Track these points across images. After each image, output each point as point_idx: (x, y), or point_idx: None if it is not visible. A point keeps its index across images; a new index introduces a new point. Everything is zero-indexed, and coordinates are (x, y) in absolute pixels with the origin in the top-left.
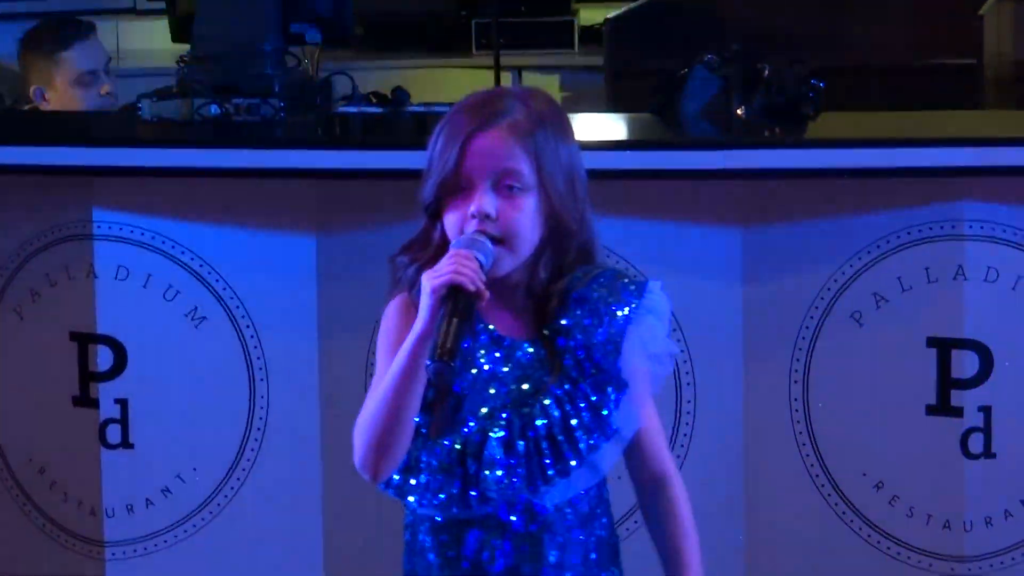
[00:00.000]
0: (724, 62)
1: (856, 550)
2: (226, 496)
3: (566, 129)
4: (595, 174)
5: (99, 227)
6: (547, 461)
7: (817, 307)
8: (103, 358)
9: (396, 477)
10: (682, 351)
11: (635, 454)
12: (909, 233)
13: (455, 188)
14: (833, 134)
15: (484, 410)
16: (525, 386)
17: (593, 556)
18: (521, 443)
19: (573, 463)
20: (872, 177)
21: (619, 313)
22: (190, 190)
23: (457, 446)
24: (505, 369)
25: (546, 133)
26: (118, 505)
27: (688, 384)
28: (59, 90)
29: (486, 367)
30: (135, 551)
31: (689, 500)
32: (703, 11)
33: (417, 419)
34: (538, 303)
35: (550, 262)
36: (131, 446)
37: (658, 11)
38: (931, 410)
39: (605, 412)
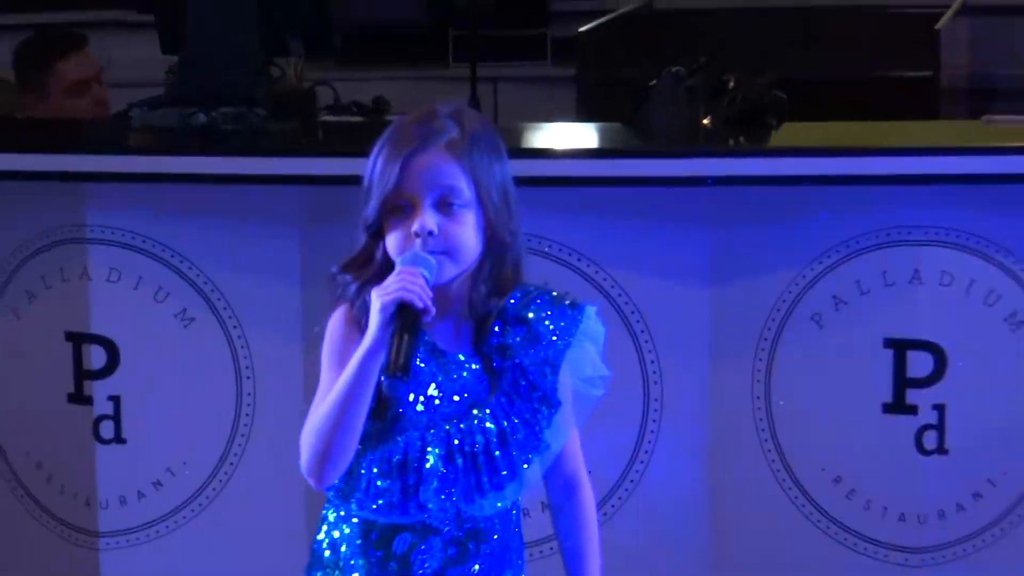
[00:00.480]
0: (691, 74)
1: (816, 542)
2: (215, 489)
3: (498, 147)
4: (568, 181)
5: (92, 231)
6: (483, 476)
7: (779, 309)
8: (96, 357)
9: (338, 482)
10: (650, 351)
11: (555, 462)
12: (867, 238)
13: (396, 207)
14: (795, 143)
15: (423, 421)
16: (462, 399)
17: (515, 563)
18: (459, 458)
19: (506, 476)
20: (832, 184)
21: (555, 338)
22: (179, 195)
23: (397, 456)
24: (444, 382)
25: (481, 151)
26: (112, 497)
27: (655, 383)
28: (52, 99)
29: (426, 381)
30: (128, 541)
31: (595, 507)
32: (671, 26)
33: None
34: (478, 320)
35: (488, 275)
36: (124, 441)
37: (628, 25)
38: (887, 408)
39: (538, 429)
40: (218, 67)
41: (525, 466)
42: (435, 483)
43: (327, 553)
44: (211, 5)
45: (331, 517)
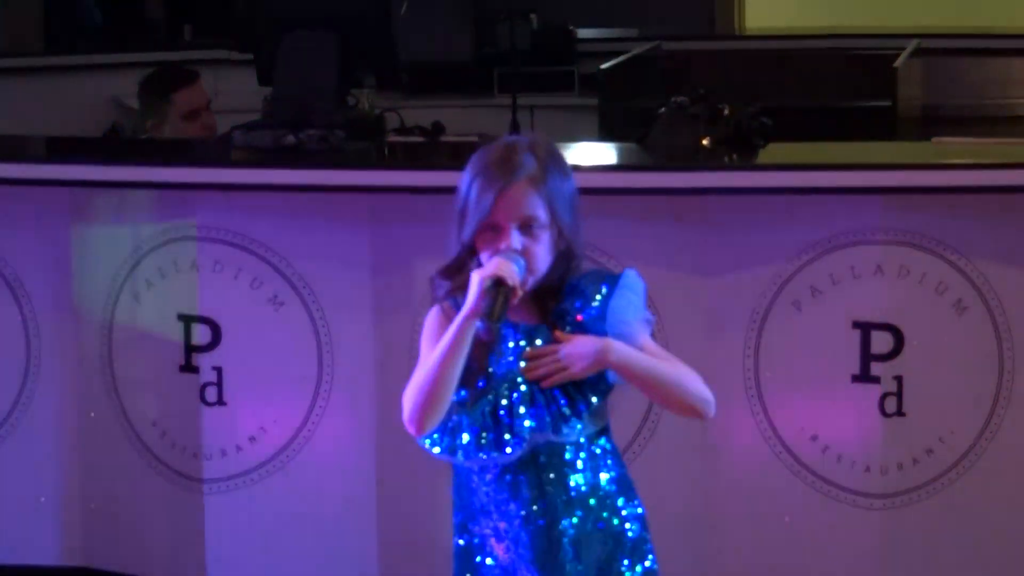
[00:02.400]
0: (692, 103)
1: (796, 489)
2: (299, 444)
3: (565, 168)
4: (592, 191)
5: (201, 231)
6: (564, 406)
7: (765, 296)
8: (203, 334)
9: (444, 441)
10: (659, 331)
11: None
12: (838, 238)
13: (488, 229)
14: (778, 160)
15: (505, 383)
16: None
17: (609, 486)
18: (540, 397)
19: (582, 406)
20: (809, 194)
21: (600, 294)
22: (272, 202)
23: (488, 408)
24: (520, 351)
25: (554, 179)
26: (214, 450)
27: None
28: (170, 124)
29: (507, 350)
30: (227, 487)
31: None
32: (676, 64)
33: (461, 394)
34: (544, 300)
35: (558, 274)
36: (225, 404)
37: (641, 64)
38: (855, 378)
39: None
40: (305, 97)
41: (594, 399)
42: (529, 420)
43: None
44: (299, 45)
45: (455, 471)
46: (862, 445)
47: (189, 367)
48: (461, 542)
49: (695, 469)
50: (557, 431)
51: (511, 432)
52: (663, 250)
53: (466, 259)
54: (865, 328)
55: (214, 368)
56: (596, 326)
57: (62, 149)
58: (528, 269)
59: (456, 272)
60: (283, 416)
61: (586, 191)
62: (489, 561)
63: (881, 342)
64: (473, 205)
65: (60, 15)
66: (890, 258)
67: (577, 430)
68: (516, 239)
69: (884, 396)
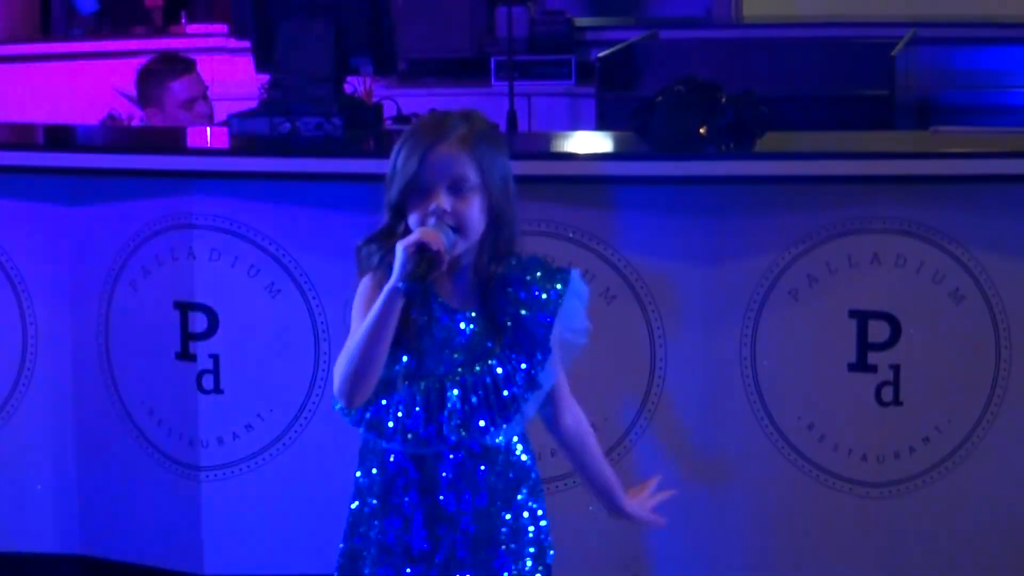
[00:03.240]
0: (690, 91)
1: (793, 478)
2: (296, 431)
3: (501, 143)
4: (589, 179)
5: (197, 219)
6: (494, 410)
7: (762, 285)
8: (199, 322)
9: (370, 421)
10: (656, 320)
11: (550, 406)
12: (835, 227)
13: (416, 191)
14: (775, 148)
15: (441, 368)
16: (472, 349)
17: (521, 490)
18: (474, 397)
19: (513, 411)
20: (806, 183)
21: (545, 296)
22: (269, 190)
23: (420, 397)
24: (456, 336)
25: (485, 145)
26: (211, 438)
27: (660, 346)
28: (167, 112)
29: (441, 333)
30: (224, 474)
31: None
32: (673, 52)
33: (392, 371)
34: (482, 284)
35: (491, 247)
36: (221, 391)
37: (639, 52)
38: (852, 367)
39: (534, 372)
40: (302, 85)
41: (526, 401)
42: (456, 419)
43: (362, 481)
44: (297, 33)
45: (363, 449)
46: (858, 434)
47: (186, 355)
48: (355, 505)
49: (692, 457)
50: (485, 433)
51: (438, 427)
52: (660, 239)
53: (394, 223)
54: (862, 317)
55: (211, 356)
56: (537, 330)
57: (59, 137)
58: (460, 231)
59: (386, 238)
60: (280, 404)
61: (584, 180)
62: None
63: (878, 331)
64: (400, 167)
65: (57, 2)
66: (887, 247)
67: (504, 431)
68: (445, 199)
69: (881, 385)
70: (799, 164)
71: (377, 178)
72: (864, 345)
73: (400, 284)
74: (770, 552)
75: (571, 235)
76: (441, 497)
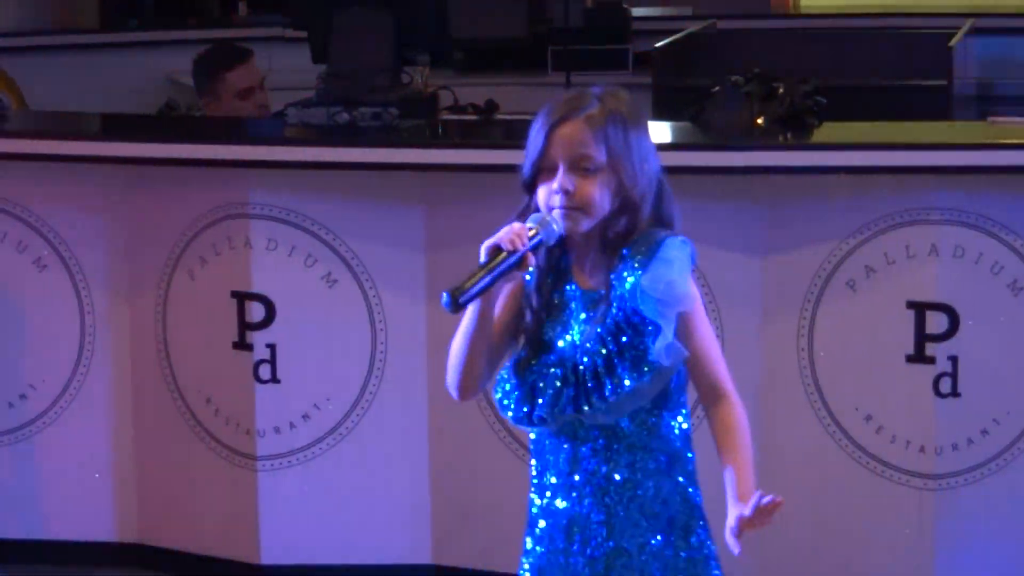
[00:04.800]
0: (746, 82)
1: (850, 469)
2: (353, 421)
3: (638, 122)
4: None
5: (254, 208)
6: (604, 386)
7: (820, 276)
8: (256, 312)
9: (514, 406)
10: (713, 309)
11: (693, 373)
12: (893, 218)
13: (543, 168)
14: (833, 139)
15: (570, 348)
16: (590, 327)
17: (659, 462)
18: (600, 360)
19: (612, 391)
20: (864, 173)
21: (637, 267)
22: (326, 179)
23: (550, 377)
24: (583, 316)
25: (616, 125)
26: (267, 427)
27: (718, 335)
28: (224, 102)
29: (569, 315)
30: (280, 464)
31: (743, 412)
32: (730, 42)
33: (521, 355)
34: (609, 260)
35: (622, 227)
36: (278, 381)
37: (695, 42)
38: (910, 359)
39: (643, 348)
40: (358, 74)
41: (627, 382)
42: (551, 399)
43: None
44: (353, 23)
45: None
46: (916, 426)
47: (243, 344)
48: (537, 500)
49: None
50: (579, 411)
51: (574, 400)
52: (718, 230)
53: (529, 201)
54: (920, 308)
55: (267, 346)
56: (631, 297)
57: (117, 126)
58: (583, 210)
59: (523, 215)
60: (336, 394)
61: None
62: (542, 525)
63: (936, 322)
64: (530, 143)
65: None
66: (945, 238)
67: (618, 411)
68: (567, 179)
69: (939, 377)
70: (856, 155)
71: (434, 168)
72: (922, 336)
73: (445, 292)
74: (828, 545)
75: None
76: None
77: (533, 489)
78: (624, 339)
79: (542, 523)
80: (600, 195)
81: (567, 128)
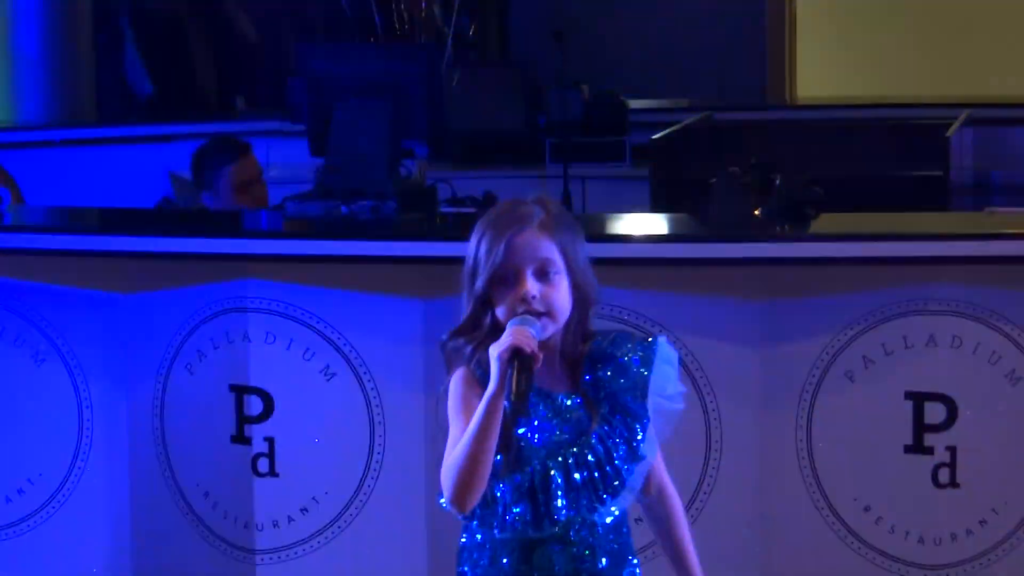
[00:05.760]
0: (744, 173)
1: (848, 560)
2: (351, 514)
3: (577, 227)
4: (644, 261)
5: (252, 302)
6: (600, 487)
7: (818, 366)
8: (255, 405)
9: (477, 514)
10: (711, 401)
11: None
12: (890, 308)
13: (502, 279)
14: (830, 230)
15: (543, 452)
16: (571, 429)
17: (630, 563)
18: (577, 476)
19: (618, 485)
20: (862, 264)
21: (639, 367)
22: (324, 272)
23: (526, 484)
24: (554, 419)
25: (564, 229)
26: (266, 521)
27: (715, 428)
28: (222, 195)
29: (538, 419)
30: (279, 557)
31: (681, 504)
32: (727, 134)
33: (497, 459)
34: (572, 364)
35: (577, 327)
36: (277, 475)
37: (692, 134)
38: (908, 449)
39: (635, 444)
40: (356, 168)
41: (631, 474)
42: (561, 500)
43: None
44: (351, 117)
45: (470, 546)
46: (915, 516)
47: (241, 438)
48: None
49: (747, 538)
50: (592, 511)
51: (548, 509)
52: (715, 321)
53: (480, 314)
54: (918, 399)
55: (266, 439)
56: (633, 402)
57: (115, 221)
58: (549, 315)
59: (472, 331)
60: (335, 487)
61: (639, 262)
62: None
63: (934, 413)
64: (484, 257)
65: (112, 86)
66: (943, 328)
67: (611, 510)
68: (533, 285)
69: (937, 467)
70: (854, 246)
71: (432, 261)
72: (920, 427)
73: (507, 404)
74: None
75: (624, 317)
76: None
77: None
78: (616, 437)
79: None
80: (563, 298)
81: (525, 236)
